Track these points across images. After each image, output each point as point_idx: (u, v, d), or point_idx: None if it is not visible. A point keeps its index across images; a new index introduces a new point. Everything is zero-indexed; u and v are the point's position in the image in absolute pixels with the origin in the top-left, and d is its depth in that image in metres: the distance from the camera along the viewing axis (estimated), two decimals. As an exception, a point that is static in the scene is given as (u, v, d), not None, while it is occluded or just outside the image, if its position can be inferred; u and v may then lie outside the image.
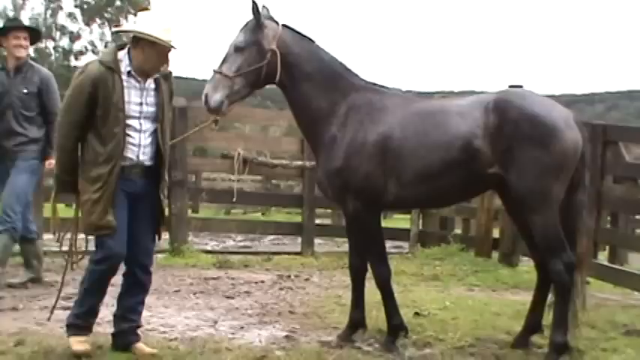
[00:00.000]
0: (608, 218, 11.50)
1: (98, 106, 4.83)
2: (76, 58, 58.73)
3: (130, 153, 4.98)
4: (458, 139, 5.38)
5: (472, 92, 5.92)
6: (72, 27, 57.90)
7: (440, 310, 7.05)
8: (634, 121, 62.76)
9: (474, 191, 6.37)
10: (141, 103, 5.02)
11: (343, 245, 10.27)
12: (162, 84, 5.16)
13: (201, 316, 6.61)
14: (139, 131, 5.02)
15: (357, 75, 5.78)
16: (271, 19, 5.60)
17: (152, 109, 5.08)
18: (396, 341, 5.64)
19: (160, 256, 9.53)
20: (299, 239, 11.37)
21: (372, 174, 5.46)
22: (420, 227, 11.99)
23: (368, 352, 5.52)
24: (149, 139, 5.08)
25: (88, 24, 57.98)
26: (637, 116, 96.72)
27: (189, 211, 12.49)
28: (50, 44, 57.92)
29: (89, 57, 66.41)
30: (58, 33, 57.96)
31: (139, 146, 5.03)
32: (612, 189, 9.55)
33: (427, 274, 9.48)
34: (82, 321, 5.08)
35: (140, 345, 5.19)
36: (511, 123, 5.32)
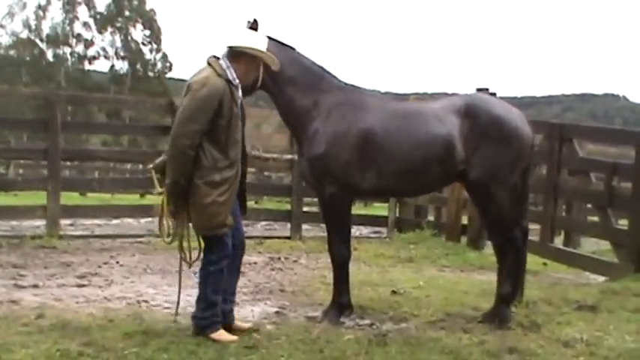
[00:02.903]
0: (564, 207, 11.55)
1: (222, 116, 4.67)
2: (90, 63, 58.55)
3: None
4: (439, 139, 5.53)
5: (444, 93, 5.96)
6: (86, 35, 57.73)
7: (414, 288, 7.04)
8: (586, 121, 62.96)
9: (445, 184, 6.60)
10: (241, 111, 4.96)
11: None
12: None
13: (201, 294, 6.55)
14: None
15: (336, 77, 5.77)
16: None
17: (241, 114, 4.98)
18: (341, 317, 5.61)
19: (164, 239, 9.43)
20: (288, 225, 11.31)
21: (350, 162, 5.48)
22: (397, 214, 11.97)
23: (350, 326, 5.49)
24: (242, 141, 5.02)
25: (100, 32, 57.80)
26: (589, 116, 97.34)
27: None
28: (67, 50, 57.68)
29: (101, 62, 66.00)
30: (74, 40, 57.69)
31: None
32: (567, 181, 9.60)
33: (403, 257, 9.47)
34: (217, 317, 4.90)
35: (239, 323, 5.14)
36: (481, 126, 5.55)
